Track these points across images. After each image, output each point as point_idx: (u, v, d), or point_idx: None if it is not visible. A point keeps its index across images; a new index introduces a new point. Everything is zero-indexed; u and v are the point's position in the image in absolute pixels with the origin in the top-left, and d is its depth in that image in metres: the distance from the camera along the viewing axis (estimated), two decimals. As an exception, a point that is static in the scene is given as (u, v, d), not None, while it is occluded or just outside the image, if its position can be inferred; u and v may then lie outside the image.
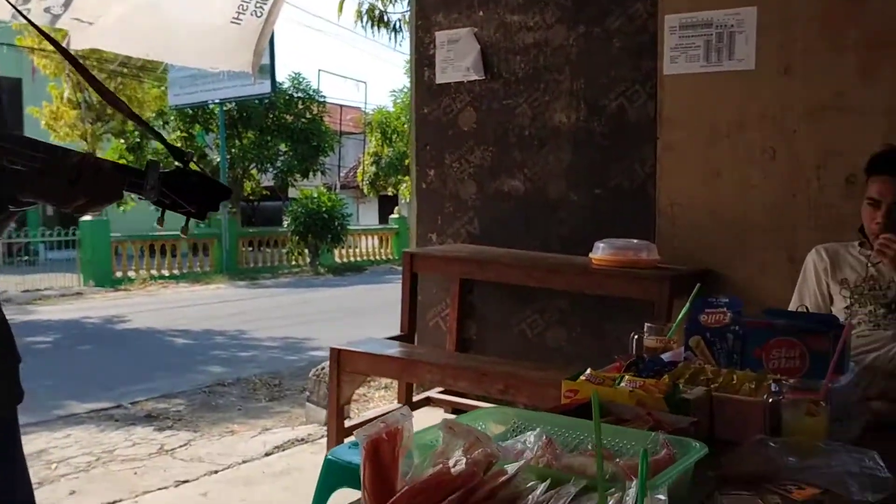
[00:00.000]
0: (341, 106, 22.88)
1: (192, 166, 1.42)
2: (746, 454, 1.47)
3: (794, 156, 3.49)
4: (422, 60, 4.42)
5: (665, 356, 1.98)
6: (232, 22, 3.21)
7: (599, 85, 3.94)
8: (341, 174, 23.91)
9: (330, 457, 2.34)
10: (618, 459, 1.25)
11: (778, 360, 1.89)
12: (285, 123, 18.58)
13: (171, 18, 3.20)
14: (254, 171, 18.83)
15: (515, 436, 1.37)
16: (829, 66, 3.39)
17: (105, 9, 3.02)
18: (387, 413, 1.13)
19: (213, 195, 1.44)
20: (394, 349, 3.71)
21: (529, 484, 1.08)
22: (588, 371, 1.76)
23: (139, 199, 1.41)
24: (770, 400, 1.61)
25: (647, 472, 0.90)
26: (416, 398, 4.20)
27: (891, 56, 3.28)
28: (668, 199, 3.76)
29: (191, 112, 17.19)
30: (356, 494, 1.35)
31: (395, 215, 20.28)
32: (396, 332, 4.06)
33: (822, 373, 1.72)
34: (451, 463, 1.05)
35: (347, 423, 3.65)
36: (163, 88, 16.72)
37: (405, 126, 19.41)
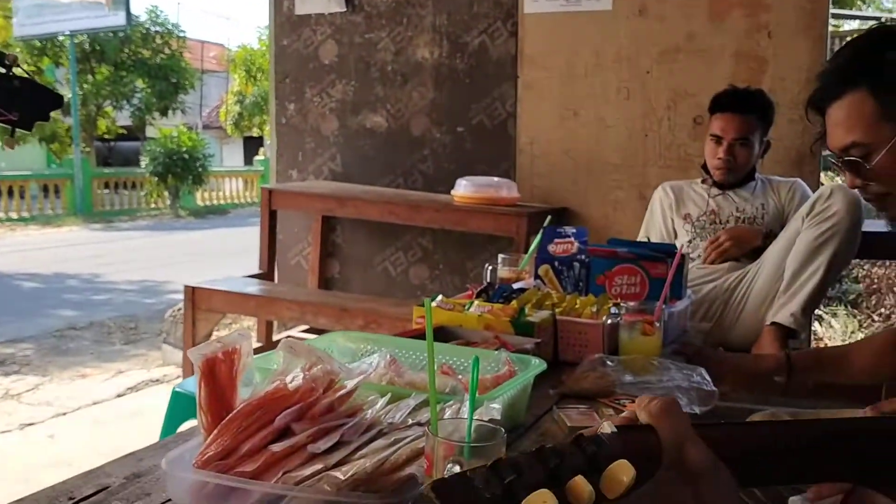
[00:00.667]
0: (203, 42, 21.93)
1: (18, 71, 1.31)
2: (585, 371, 1.53)
3: (647, 96, 3.60)
4: (281, -10, 4.26)
5: (517, 285, 2.03)
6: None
7: (462, 21, 3.93)
8: (203, 114, 23.03)
9: (177, 389, 2.28)
10: (460, 376, 1.28)
11: (620, 286, 1.98)
12: (142, 59, 17.68)
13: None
14: (109, 109, 17.88)
15: (363, 358, 1.37)
16: (682, 8, 3.50)
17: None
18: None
19: (41, 103, 1.32)
20: (252, 287, 3.64)
21: (370, 398, 1.09)
22: (440, 297, 1.78)
23: None
24: (609, 321, 1.68)
25: (477, 378, 0.92)
26: (276, 338, 4.15)
27: (736, 2, 3.42)
28: (528, 138, 3.82)
29: (39, 44, 16.05)
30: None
31: (260, 157, 19.79)
32: (255, 272, 3.98)
33: (659, 297, 1.81)
34: (288, 379, 1.03)
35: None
36: (7, 17, 15.49)
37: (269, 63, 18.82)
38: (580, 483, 0.50)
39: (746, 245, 2.73)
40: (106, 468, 1.10)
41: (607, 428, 0.56)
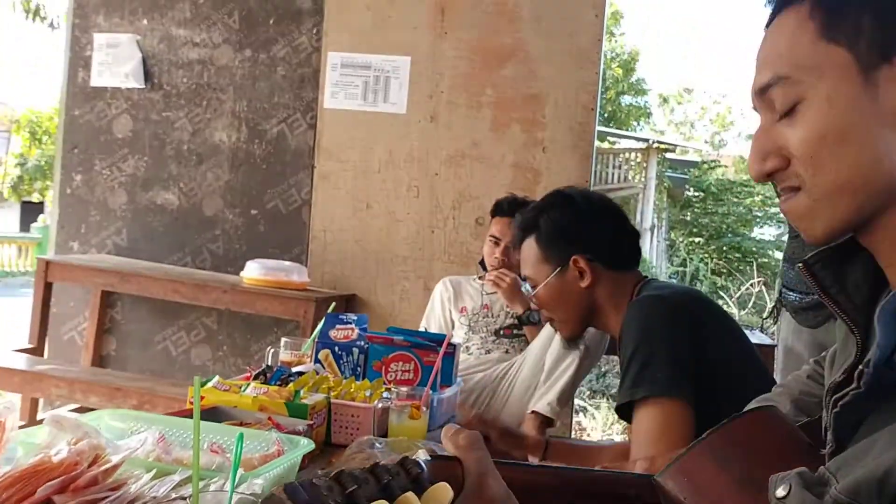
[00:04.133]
0: (-17, 98, 20.48)
1: None
2: (353, 452, 1.62)
3: (434, 195, 3.85)
4: (77, 60, 4.17)
5: (296, 368, 2.09)
6: None
7: (262, 109, 4.03)
8: (-23, 173, 21.29)
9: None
10: (228, 455, 1.32)
11: (395, 372, 2.10)
12: None
13: None
14: None
15: (133, 435, 1.38)
16: (469, 118, 3.82)
17: None
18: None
19: None
20: (17, 361, 3.42)
21: (136, 472, 1.11)
22: (216, 378, 1.81)
23: None
24: (380, 405, 1.79)
25: (241, 451, 0.98)
26: (40, 417, 3.88)
27: (516, 118, 3.78)
28: (322, 226, 3.93)
29: None
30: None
31: (38, 224, 18.47)
32: (19, 348, 3.75)
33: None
34: (52, 452, 1.05)
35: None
36: None
37: (57, 131, 17.88)
38: (410, 498, 0.59)
39: (514, 296, 2.99)
40: None
41: (422, 455, 0.64)
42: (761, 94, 0.76)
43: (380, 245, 3.90)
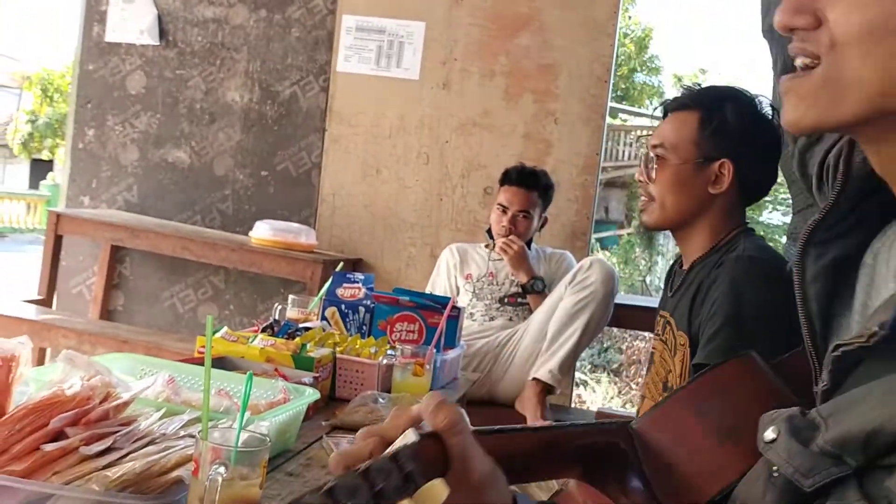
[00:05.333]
0: (-5, 53, 20.45)
1: None
2: (357, 406, 1.65)
3: (444, 163, 3.86)
4: (92, 15, 4.17)
5: (301, 325, 2.12)
6: None
7: (275, 70, 4.03)
8: (-13, 129, 21.33)
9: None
10: (236, 400, 1.36)
11: (400, 332, 2.13)
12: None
13: None
14: None
15: (141, 379, 1.41)
16: (481, 87, 3.81)
17: None
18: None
19: None
20: (26, 311, 3.46)
21: (146, 411, 1.15)
22: (224, 329, 1.85)
23: None
24: (384, 362, 1.82)
25: (250, 390, 1.01)
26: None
27: (529, 87, 3.77)
28: (331, 189, 3.95)
29: None
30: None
31: (48, 181, 18.54)
32: (28, 299, 3.79)
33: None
34: (66, 386, 1.07)
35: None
36: None
37: (70, 86, 17.86)
38: None
39: (520, 264, 2.99)
40: None
41: (412, 436, 0.63)
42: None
43: (388, 210, 3.92)
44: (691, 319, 1.59)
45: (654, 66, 20.39)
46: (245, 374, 1.58)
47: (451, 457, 0.62)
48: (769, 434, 0.62)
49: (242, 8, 4.04)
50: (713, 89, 1.77)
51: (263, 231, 3.66)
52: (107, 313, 4.14)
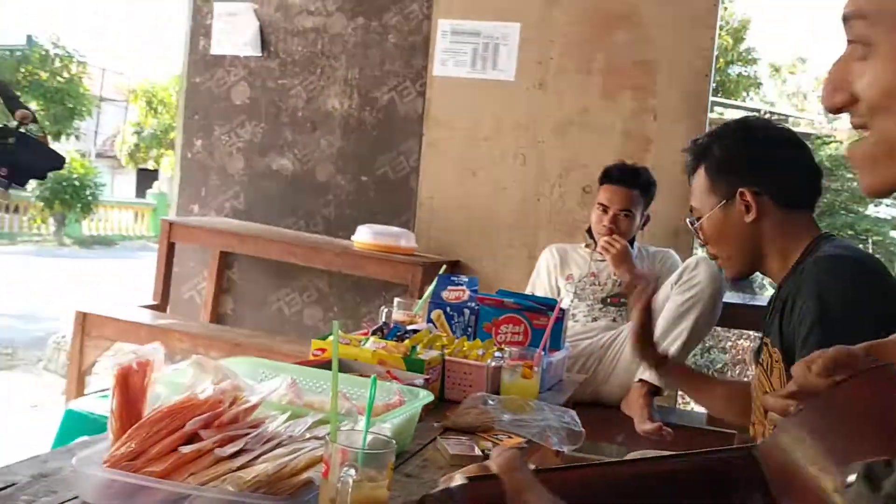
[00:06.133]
0: (104, 69, 21.45)
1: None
2: (468, 408, 1.67)
3: (541, 163, 3.84)
4: (198, 29, 4.34)
5: (410, 327, 2.15)
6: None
7: (373, 77, 4.10)
8: (98, 141, 22.39)
9: (70, 407, 2.30)
10: (354, 402, 1.39)
11: (505, 333, 2.14)
12: (39, 80, 17.12)
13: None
14: (-3, 128, 17.17)
15: (263, 382, 1.47)
16: (578, 85, 3.78)
17: None
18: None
19: (39, 162, 1.20)
20: (143, 316, 3.63)
21: (272, 414, 1.19)
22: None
23: None
24: (493, 364, 1.83)
25: (374, 394, 1.04)
26: (163, 370, 4.11)
27: (627, 84, 3.72)
28: (429, 193, 3.99)
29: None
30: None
31: (154, 190, 19.35)
32: (144, 304, 3.97)
33: (539, 346, 1.98)
34: (198, 390, 1.12)
35: (87, 392, 3.52)
36: None
37: (173, 98, 18.57)
38: None
39: (623, 263, 2.95)
40: (12, 468, 1.14)
41: (458, 479, 0.65)
42: (844, 22, 0.74)
43: (485, 212, 3.93)
44: (783, 332, 1.56)
45: (750, 57, 19.74)
46: (366, 377, 1.62)
47: (507, 494, 0.64)
48: (851, 477, 0.60)
49: (340, 17, 4.13)
50: (704, 139, 1.81)
51: (365, 235, 3.72)
52: (217, 317, 4.29)
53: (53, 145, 16.74)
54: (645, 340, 1.94)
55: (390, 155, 4.08)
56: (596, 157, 3.66)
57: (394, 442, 0.98)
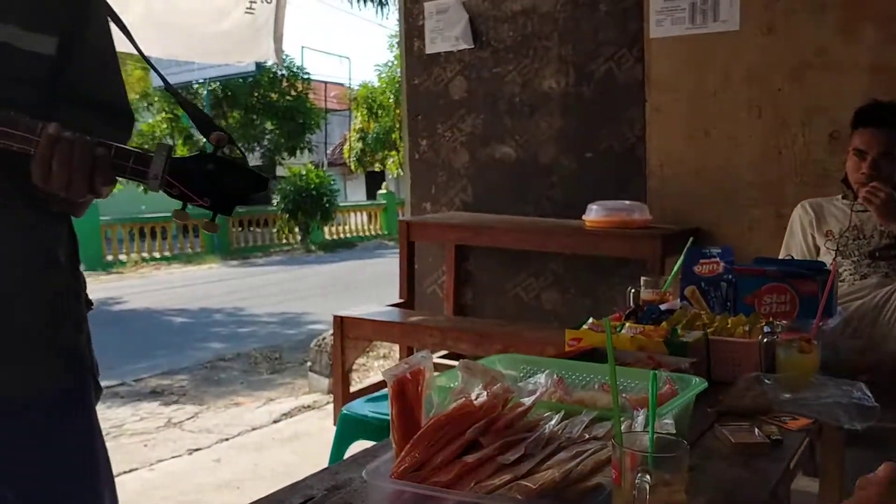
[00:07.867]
0: (325, 83, 22.76)
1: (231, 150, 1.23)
2: (743, 390, 1.56)
3: (779, 113, 3.57)
4: (411, 31, 4.46)
5: (663, 307, 2.06)
6: (246, 12, 3.27)
7: (587, 50, 4.00)
8: (328, 151, 23.84)
9: (345, 411, 2.44)
10: (624, 395, 1.34)
11: (769, 305, 1.99)
12: (270, 102, 18.49)
13: (187, 16, 3.23)
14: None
15: (526, 379, 1.45)
16: (811, 25, 3.47)
17: (125, 8, 3.08)
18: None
19: (241, 186, 1.20)
20: (395, 315, 3.80)
21: (546, 415, 1.17)
22: (591, 320, 1.84)
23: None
24: (764, 340, 1.70)
25: (656, 392, 0.98)
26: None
27: (868, 15, 3.36)
28: (658, 160, 3.84)
29: (175, 93, 17.08)
30: (370, 445, 1.44)
31: (382, 191, 20.30)
32: (392, 302, 4.16)
33: (811, 315, 1.82)
34: (472, 396, 1.12)
35: (351, 390, 3.75)
36: (145, 69, 16.59)
37: (391, 100, 19.35)
38: None
39: (890, 213, 2.66)
40: (307, 481, 1.21)
41: None
42: None
43: (721, 173, 3.71)
44: None
45: None
46: (627, 366, 1.57)
47: None
48: None
49: (547, -5, 4.06)
50: None
51: (596, 213, 3.65)
52: (458, 308, 4.40)
53: (289, 160, 17.95)
54: None
55: (613, 127, 3.97)
56: (841, 100, 3.34)
57: (685, 443, 0.92)
